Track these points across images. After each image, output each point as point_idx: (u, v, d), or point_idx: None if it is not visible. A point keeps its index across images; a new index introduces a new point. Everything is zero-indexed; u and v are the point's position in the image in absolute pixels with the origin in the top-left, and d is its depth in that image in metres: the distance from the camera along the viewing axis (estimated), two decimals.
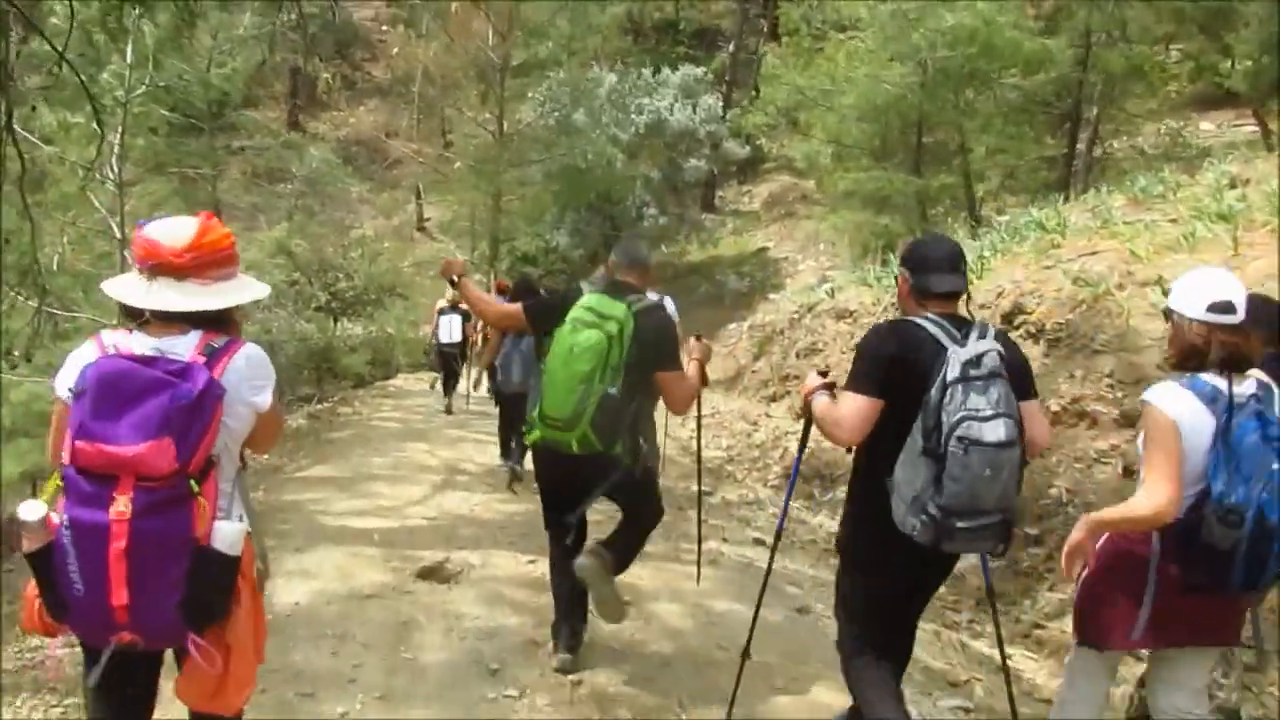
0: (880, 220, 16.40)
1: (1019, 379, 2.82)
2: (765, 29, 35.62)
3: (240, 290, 2.39)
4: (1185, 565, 2.76)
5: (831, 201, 18.15)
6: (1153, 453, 2.73)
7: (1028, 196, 15.56)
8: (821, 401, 3.02)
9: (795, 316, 12.25)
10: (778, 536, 3.63)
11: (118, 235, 11.43)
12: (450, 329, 11.57)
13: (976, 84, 15.60)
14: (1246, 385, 2.74)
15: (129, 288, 2.31)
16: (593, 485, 3.69)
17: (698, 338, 4.16)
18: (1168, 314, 2.90)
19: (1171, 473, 2.67)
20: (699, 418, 4.68)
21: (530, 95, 21.01)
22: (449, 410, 11.75)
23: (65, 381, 2.24)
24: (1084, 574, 2.99)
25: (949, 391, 2.66)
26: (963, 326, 2.85)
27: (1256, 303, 2.95)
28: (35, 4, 6.62)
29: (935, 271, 2.96)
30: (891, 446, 2.80)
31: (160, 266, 2.27)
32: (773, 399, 11.33)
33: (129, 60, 11.37)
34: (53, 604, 2.14)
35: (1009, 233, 9.73)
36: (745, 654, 3.54)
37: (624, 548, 3.85)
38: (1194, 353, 2.78)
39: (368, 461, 8.55)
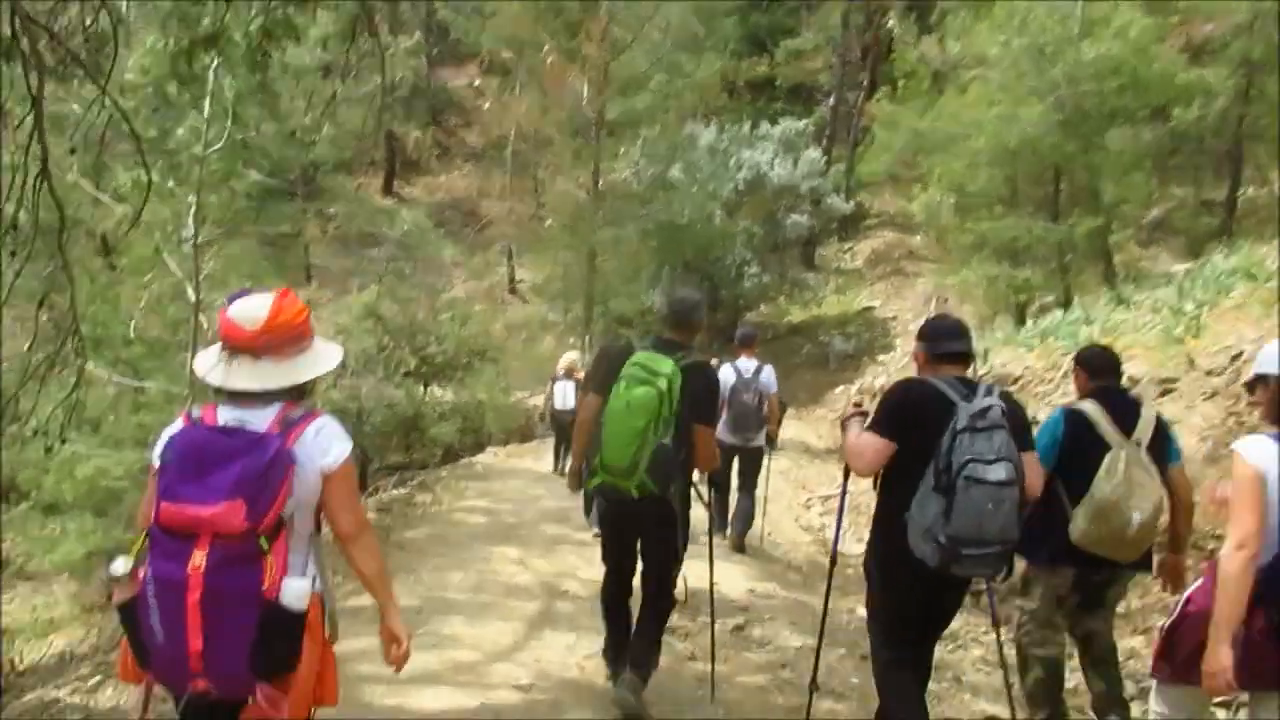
0: (1018, 273, 14.70)
1: (1018, 432, 3.26)
2: (865, 83, 34.46)
3: (313, 365, 2.56)
4: (1272, 609, 2.85)
5: (959, 254, 16.54)
6: (1235, 502, 2.90)
7: (1181, 244, 13.85)
8: (852, 430, 3.56)
9: None
10: (832, 564, 4.02)
11: (192, 299, 10.65)
12: (564, 396, 11.26)
13: (1120, 121, 13.99)
14: None
15: (211, 366, 2.51)
16: (649, 525, 4.15)
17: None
18: (1255, 382, 3.09)
19: (1250, 522, 2.83)
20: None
21: (624, 151, 20.11)
22: (562, 472, 10.88)
23: (158, 449, 2.40)
24: (1178, 613, 3.21)
25: (958, 438, 3.11)
26: (970, 386, 3.32)
27: None
28: (99, 50, 5.82)
29: (946, 339, 3.51)
30: (904, 485, 3.25)
31: (238, 346, 2.46)
32: None
33: (206, 113, 10.65)
34: (138, 652, 2.32)
35: (1213, 283, 8.11)
36: (812, 685, 3.93)
37: (649, 648, 4.26)
38: None
39: (443, 580, 6.64)
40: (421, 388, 19.30)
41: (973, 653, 5.80)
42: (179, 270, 11.05)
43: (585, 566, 6.58)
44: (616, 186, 20.19)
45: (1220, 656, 2.82)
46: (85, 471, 10.22)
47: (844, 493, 3.98)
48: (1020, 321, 16.36)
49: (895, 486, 3.33)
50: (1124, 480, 3.68)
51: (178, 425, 2.44)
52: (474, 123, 39.49)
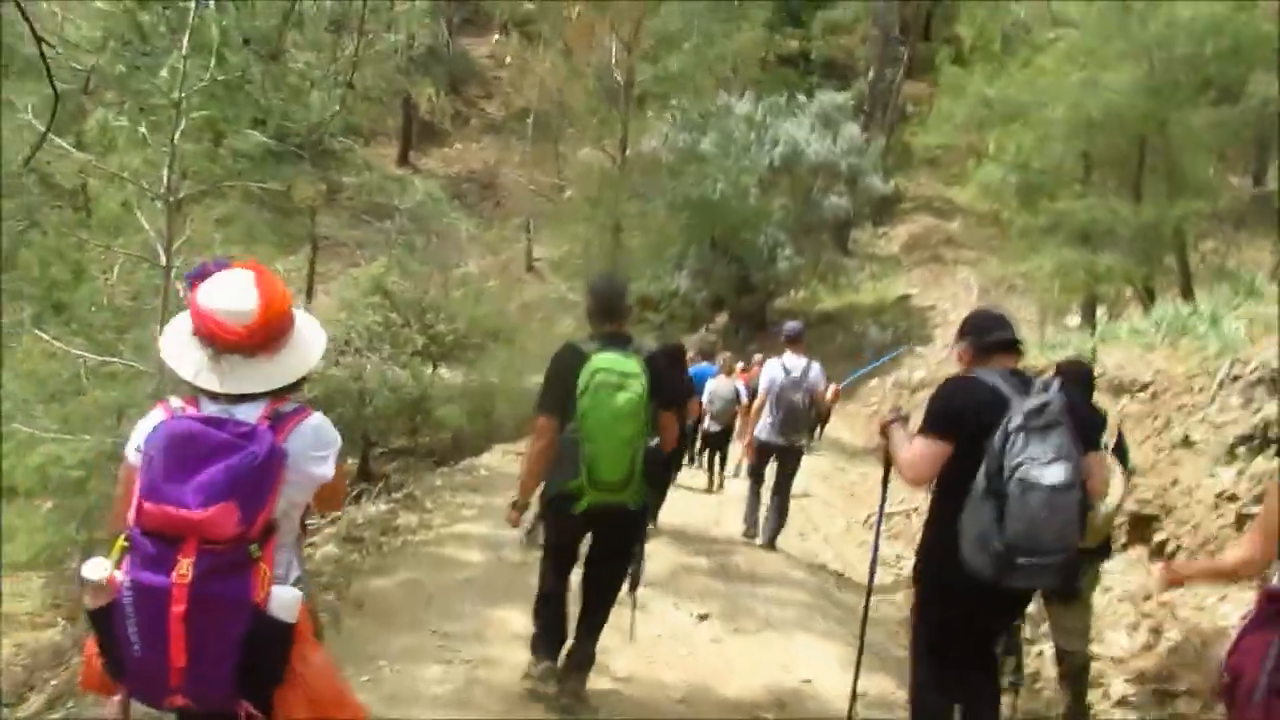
0: (1099, 260, 13.05)
1: (1084, 430, 3.07)
2: (906, 58, 32.83)
3: (304, 353, 2.34)
4: None
5: (1025, 239, 14.88)
6: (1261, 515, 2.84)
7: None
8: (896, 437, 3.35)
9: None
10: (871, 575, 3.88)
11: (163, 262, 9.27)
12: None
13: (1212, 92, 12.40)
14: None
15: (195, 365, 2.23)
16: (630, 530, 3.94)
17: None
18: None
19: (1264, 536, 2.72)
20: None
21: (653, 115, 18.62)
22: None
23: (135, 441, 2.20)
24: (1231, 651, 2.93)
25: (1011, 438, 2.89)
26: (1025, 381, 3.10)
27: None
28: None
29: (994, 328, 3.28)
30: (957, 489, 3.02)
31: (227, 346, 2.20)
32: None
33: (184, 50, 9.24)
34: (110, 663, 2.12)
35: None
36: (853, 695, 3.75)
37: (591, 643, 4.01)
38: None
39: (413, 681, 4.18)
40: (429, 368, 18.10)
41: None
42: (151, 229, 9.66)
43: (622, 648, 4.46)
44: (644, 156, 18.71)
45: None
46: (36, 459, 8.88)
47: (883, 500, 3.90)
48: (1090, 315, 14.84)
49: (947, 491, 3.12)
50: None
51: (157, 415, 2.21)
52: (494, 93, 38.25)
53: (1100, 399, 7.29)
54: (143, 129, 9.28)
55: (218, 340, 2.18)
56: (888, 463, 3.50)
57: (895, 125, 31.70)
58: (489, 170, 33.38)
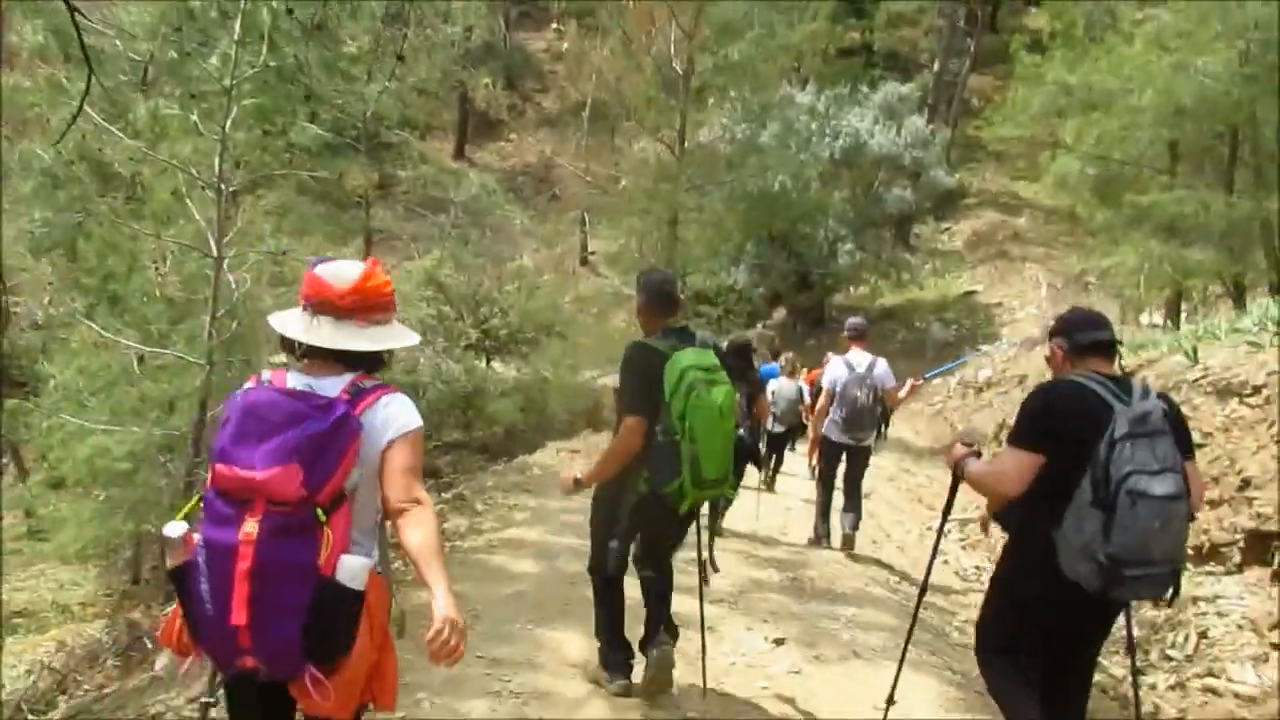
0: (1188, 255, 12.27)
1: (1180, 439, 2.93)
2: (971, 50, 31.94)
3: (394, 336, 2.46)
4: None
5: (1106, 233, 14.09)
6: None
7: None
8: (976, 463, 3.19)
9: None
10: (922, 593, 3.73)
11: (214, 253, 9.05)
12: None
13: None
14: None
15: (292, 322, 2.39)
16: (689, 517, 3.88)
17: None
18: None
19: None
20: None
21: (712, 103, 18.13)
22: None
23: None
24: None
25: (1117, 447, 2.78)
26: (1125, 385, 2.96)
27: None
28: None
29: (1090, 328, 3.15)
30: (1054, 498, 2.90)
31: (324, 305, 2.35)
32: None
33: (236, 35, 9.00)
34: (190, 623, 2.18)
35: None
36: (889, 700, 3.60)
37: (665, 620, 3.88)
38: None
39: (454, 709, 3.81)
40: (483, 362, 17.87)
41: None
42: (202, 219, 9.46)
43: (692, 677, 4.02)
44: (703, 148, 18.23)
45: None
46: (84, 451, 8.72)
47: (948, 509, 3.73)
48: (1174, 314, 14.02)
49: (1043, 500, 2.97)
50: None
51: (246, 385, 2.31)
52: (550, 87, 38.07)
53: (1203, 403, 6.73)
54: (194, 117, 9.09)
55: (317, 299, 2.33)
56: (956, 476, 3.32)
57: (959, 119, 30.82)
58: (544, 164, 33.15)
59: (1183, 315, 13.93)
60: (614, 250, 22.63)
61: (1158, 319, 15.44)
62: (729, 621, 5.06)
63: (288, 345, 2.39)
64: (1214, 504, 5.76)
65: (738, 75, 17.27)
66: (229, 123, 9.02)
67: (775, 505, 9.03)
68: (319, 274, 2.36)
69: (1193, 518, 2.89)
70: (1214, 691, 4.19)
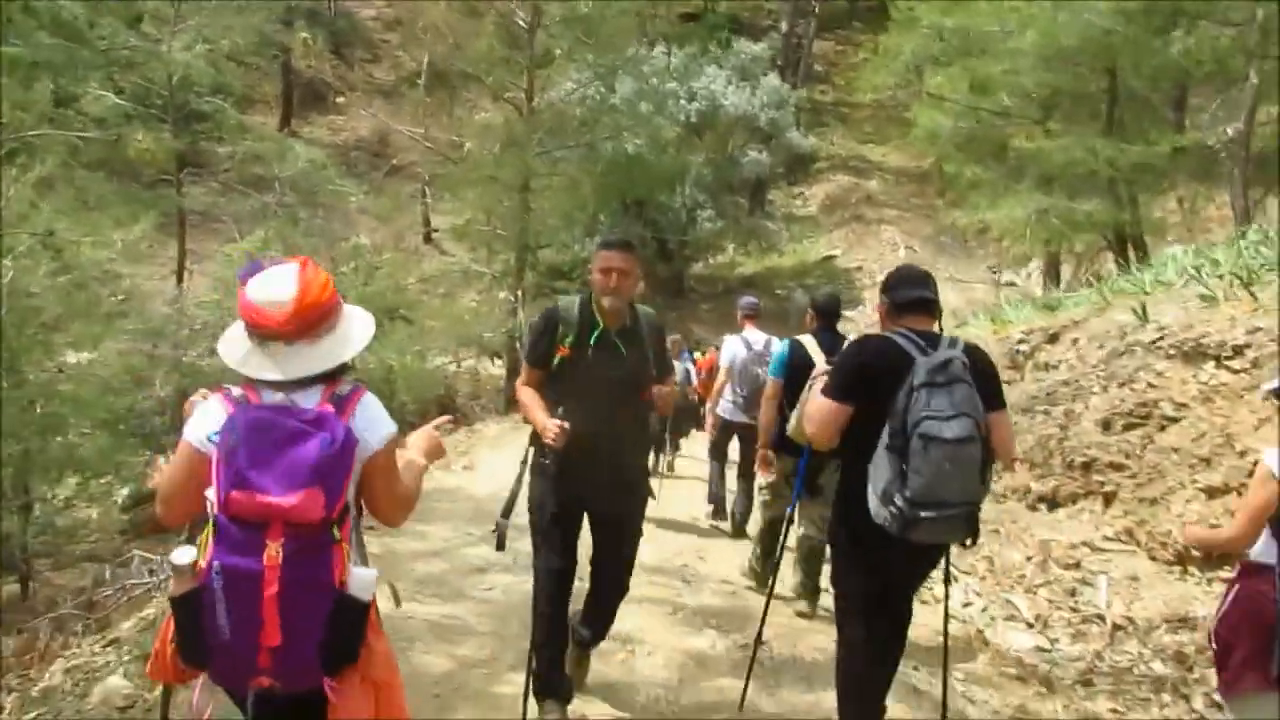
0: (1079, 207, 11.64)
1: (987, 388, 3.00)
2: (814, 10, 31.74)
3: (350, 339, 2.33)
4: None
5: (989, 186, 13.44)
6: (1247, 495, 3.16)
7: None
8: (812, 394, 3.29)
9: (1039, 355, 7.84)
10: (775, 568, 4.18)
11: None
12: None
13: (1189, 20, 11.22)
14: None
15: (245, 355, 2.27)
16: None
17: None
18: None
19: (1250, 514, 3.07)
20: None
21: (558, 55, 16.81)
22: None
23: (201, 430, 2.20)
24: (1217, 622, 3.20)
25: (915, 395, 2.87)
26: (932, 340, 3.05)
27: None
28: None
29: (908, 286, 3.21)
30: (866, 449, 2.99)
31: (266, 335, 2.25)
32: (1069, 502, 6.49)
33: None
34: (191, 649, 2.13)
35: None
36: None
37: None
38: None
39: None
40: None
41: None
42: None
43: None
44: (553, 108, 16.90)
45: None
46: None
47: (801, 468, 3.98)
48: (1056, 270, 13.61)
49: (857, 452, 3.04)
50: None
51: (217, 405, 2.21)
52: (382, 57, 35.85)
53: (1168, 368, 5.91)
54: None
55: (260, 329, 2.22)
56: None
57: (806, 83, 30.53)
58: (379, 136, 31.04)
59: (1078, 272, 13.57)
60: (460, 224, 21.04)
61: (1017, 278, 15.11)
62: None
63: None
64: (1217, 492, 4.96)
65: (588, 28, 16.02)
66: None
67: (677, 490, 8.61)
68: (252, 301, 2.20)
69: (990, 461, 2.92)
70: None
